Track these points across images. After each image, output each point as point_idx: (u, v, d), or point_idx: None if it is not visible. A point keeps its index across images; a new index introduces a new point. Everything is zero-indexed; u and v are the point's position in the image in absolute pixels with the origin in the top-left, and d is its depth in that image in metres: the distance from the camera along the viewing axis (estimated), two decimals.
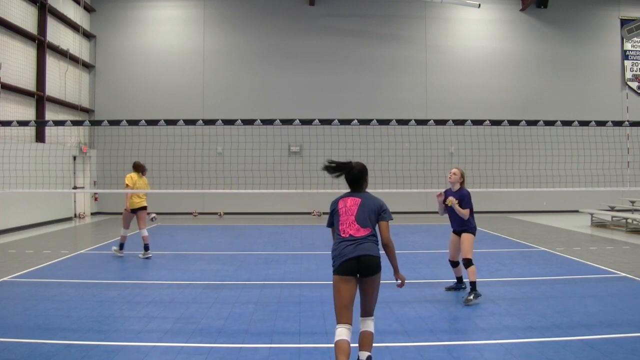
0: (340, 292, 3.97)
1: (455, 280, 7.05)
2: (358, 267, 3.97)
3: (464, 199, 6.63)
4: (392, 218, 4.24)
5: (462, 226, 6.68)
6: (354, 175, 4.29)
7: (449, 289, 7.02)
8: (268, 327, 5.48)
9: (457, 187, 6.75)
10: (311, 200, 19.46)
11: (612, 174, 12.25)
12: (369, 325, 4.06)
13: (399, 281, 4.33)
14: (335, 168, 4.31)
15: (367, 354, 3.94)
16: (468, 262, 6.53)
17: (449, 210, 6.78)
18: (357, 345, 4.00)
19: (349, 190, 4.33)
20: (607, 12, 21.08)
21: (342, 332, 3.89)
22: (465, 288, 6.92)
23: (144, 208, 9.90)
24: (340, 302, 3.97)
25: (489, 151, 13.50)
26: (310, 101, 19.53)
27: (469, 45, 20.64)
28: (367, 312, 4.10)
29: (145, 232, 9.78)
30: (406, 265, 8.81)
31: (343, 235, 4.07)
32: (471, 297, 6.38)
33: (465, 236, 6.64)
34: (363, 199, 4.20)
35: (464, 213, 6.57)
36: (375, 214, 4.15)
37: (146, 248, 9.77)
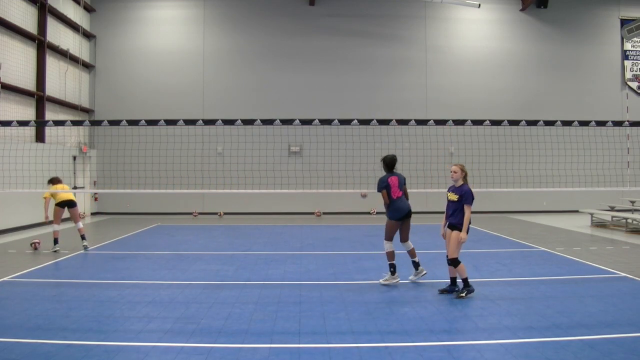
0: (393, 227, 7.44)
1: (449, 282, 7.02)
2: (405, 216, 7.37)
3: (465, 194, 6.66)
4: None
5: (457, 222, 6.69)
6: (394, 162, 7.58)
7: (442, 291, 6.96)
8: (268, 327, 5.48)
9: (460, 182, 6.79)
10: (311, 200, 19.47)
11: (612, 174, 12.27)
12: (409, 245, 7.55)
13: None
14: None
15: (416, 258, 7.62)
16: (455, 262, 6.64)
17: (448, 204, 6.84)
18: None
19: (389, 172, 7.50)
20: (607, 12, 21.09)
21: (389, 246, 7.46)
22: (458, 290, 6.90)
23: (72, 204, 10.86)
24: (391, 232, 7.47)
25: (489, 151, 13.50)
26: (310, 101, 19.53)
27: (469, 45, 20.64)
28: (405, 238, 7.52)
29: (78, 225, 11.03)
30: (406, 265, 8.80)
31: (394, 197, 7.35)
32: (463, 294, 6.62)
33: (455, 234, 6.66)
34: (398, 177, 7.47)
35: (468, 215, 6.61)
36: (403, 183, 7.51)
37: (55, 242, 10.73)
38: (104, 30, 20.05)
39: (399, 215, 7.30)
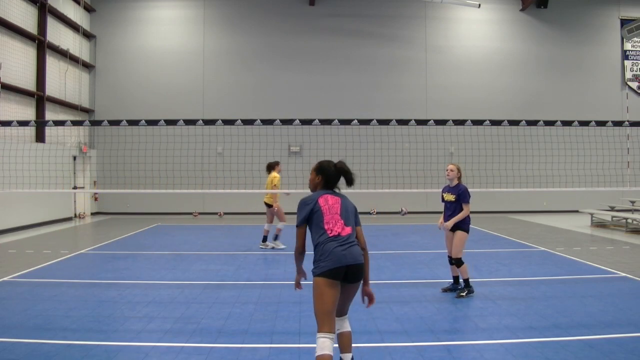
0: (324, 296, 3.70)
1: (452, 281, 7.04)
2: (346, 274, 3.76)
3: (462, 193, 6.71)
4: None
5: (461, 220, 6.73)
6: (339, 174, 4.10)
7: (445, 290, 7.00)
8: (268, 327, 5.48)
9: (455, 182, 6.83)
10: None
11: (612, 174, 12.26)
12: (347, 324, 3.98)
13: (366, 300, 4.05)
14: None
15: (350, 355, 3.90)
16: (458, 262, 6.69)
17: (446, 204, 6.86)
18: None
19: (321, 190, 4.10)
20: (607, 12, 21.09)
21: (326, 345, 3.63)
22: (461, 288, 6.93)
23: (266, 205, 10.95)
24: (327, 305, 3.69)
25: (489, 151, 13.50)
26: (310, 101, 19.53)
27: (469, 45, 20.64)
28: (344, 312, 3.98)
29: (265, 226, 11.05)
30: (406, 266, 8.82)
31: (330, 234, 3.81)
32: (464, 293, 6.65)
33: (459, 234, 6.73)
34: (342, 199, 4.03)
35: (465, 213, 6.67)
36: (354, 215, 4.01)
37: (264, 239, 10.96)
38: (104, 30, 20.05)
39: (330, 265, 3.72)
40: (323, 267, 3.74)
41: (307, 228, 3.95)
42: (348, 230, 3.87)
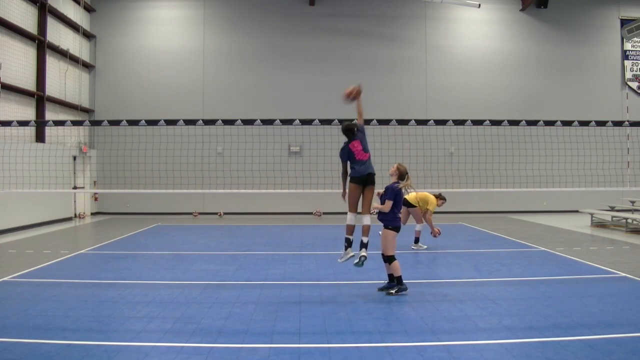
0: (354, 192, 6.73)
1: (387, 280, 6.98)
2: (365, 180, 6.67)
3: (386, 191, 6.83)
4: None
5: (383, 219, 6.81)
6: (345, 131, 7.12)
7: (381, 289, 6.94)
8: (268, 327, 5.48)
9: (392, 180, 6.90)
10: (311, 200, 19.45)
11: (612, 174, 12.27)
12: (367, 220, 6.70)
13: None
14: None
15: (366, 238, 6.73)
16: (389, 258, 6.74)
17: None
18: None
19: (347, 141, 6.97)
20: (607, 12, 21.09)
21: (351, 218, 6.78)
22: (391, 285, 6.88)
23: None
24: (352, 199, 6.75)
25: (489, 151, 13.51)
26: (310, 101, 19.52)
27: (469, 45, 20.64)
28: (364, 211, 6.70)
29: (416, 227, 10.76)
30: (406, 265, 8.80)
31: (358, 159, 6.73)
32: (393, 291, 6.71)
33: (385, 233, 6.79)
34: (360, 140, 6.93)
35: (382, 207, 6.79)
36: (366, 142, 6.97)
37: (416, 241, 10.74)
38: (104, 30, 20.05)
39: (356, 175, 6.66)
40: (354, 177, 6.77)
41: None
42: (366, 156, 6.83)
